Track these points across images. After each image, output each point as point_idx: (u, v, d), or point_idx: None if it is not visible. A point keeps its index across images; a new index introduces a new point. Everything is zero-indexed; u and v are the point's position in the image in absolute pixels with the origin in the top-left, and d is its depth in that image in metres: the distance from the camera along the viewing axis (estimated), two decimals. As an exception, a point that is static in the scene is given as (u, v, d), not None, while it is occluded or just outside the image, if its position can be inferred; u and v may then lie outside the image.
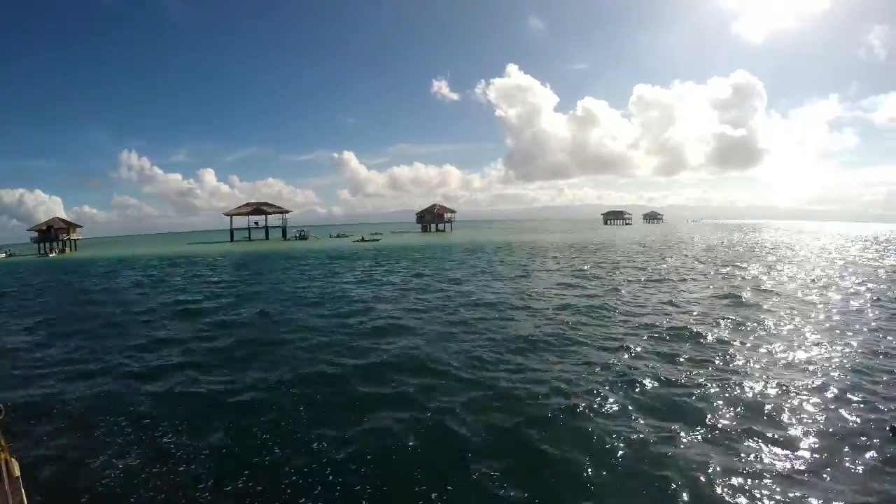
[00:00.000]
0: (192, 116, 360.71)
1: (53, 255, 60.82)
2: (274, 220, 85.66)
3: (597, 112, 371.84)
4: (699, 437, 6.37)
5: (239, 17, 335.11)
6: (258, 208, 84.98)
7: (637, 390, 7.94)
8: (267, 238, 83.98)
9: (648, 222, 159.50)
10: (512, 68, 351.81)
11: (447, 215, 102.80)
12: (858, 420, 6.55)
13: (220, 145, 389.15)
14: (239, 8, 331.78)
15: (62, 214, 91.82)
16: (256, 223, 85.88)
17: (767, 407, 7.12)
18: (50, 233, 65.72)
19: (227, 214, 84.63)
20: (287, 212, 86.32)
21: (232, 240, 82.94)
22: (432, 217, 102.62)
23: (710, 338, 10.95)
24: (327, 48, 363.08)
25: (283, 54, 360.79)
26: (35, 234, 65.36)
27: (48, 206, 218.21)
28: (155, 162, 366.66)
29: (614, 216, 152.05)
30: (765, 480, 5.30)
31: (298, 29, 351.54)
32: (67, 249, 66.55)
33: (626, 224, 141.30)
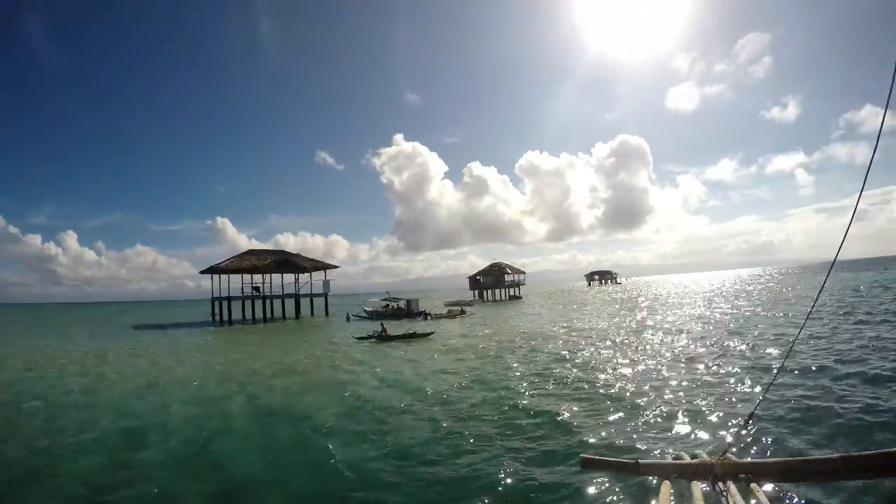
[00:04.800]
0: (52, 175, 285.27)
1: None
2: (288, 284, 46.85)
3: (486, 178, 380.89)
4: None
5: (111, 74, 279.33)
6: (285, 259, 45.54)
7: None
8: (298, 316, 44.76)
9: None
10: (398, 137, 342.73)
11: (514, 277, 73.67)
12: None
13: (83, 210, 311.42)
14: (113, 64, 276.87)
15: None
16: (256, 288, 45.99)
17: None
18: None
19: (212, 272, 43.57)
20: (332, 267, 48.17)
21: (220, 319, 42.09)
22: (493, 280, 72.30)
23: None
24: (199, 112, 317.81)
25: (150, 116, 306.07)
26: None
27: None
28: (11, 222, 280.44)
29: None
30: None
31: (166, 91, 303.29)
32: None
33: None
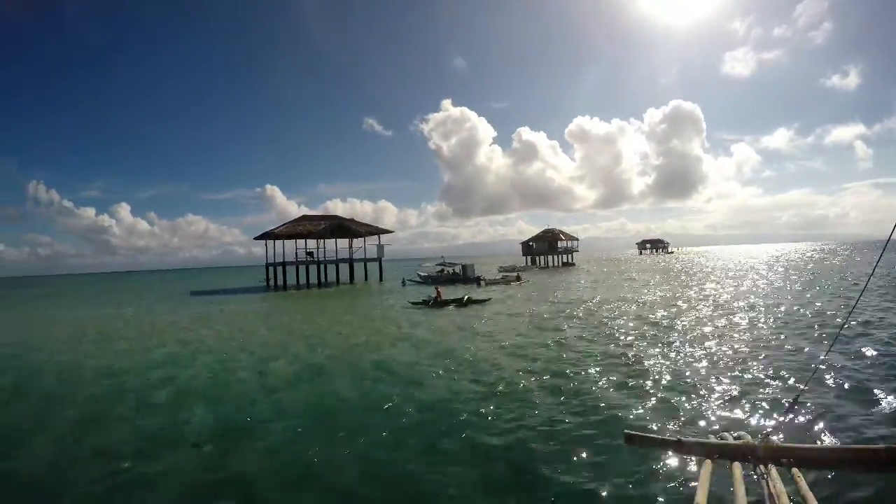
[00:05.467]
0: (103, 149, 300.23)
1: None
2: (341, 249, 45.79)
3: (536, 143, 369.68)
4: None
5: (156, 47, 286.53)
6: (339, 224, 44.73)
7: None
8: (352, 281, 44.15)
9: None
10: (446, 102, 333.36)
11: (567, 243, 70.68)
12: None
13: (134, 181, 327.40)
14: (157, 36, 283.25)
15: None
16: (310, 254, 45.37)
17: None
18: None
19: (267, 238, 43.34)
20: (387, 232, 47.11)
21: (275, 285, 42.00)
22: (546, 246, 69.62)
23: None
24: (246, 82, 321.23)
25: (198, 87, 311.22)
26: None
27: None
28: (66, 196, 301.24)
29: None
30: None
31: (213, 62, 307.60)
32: None
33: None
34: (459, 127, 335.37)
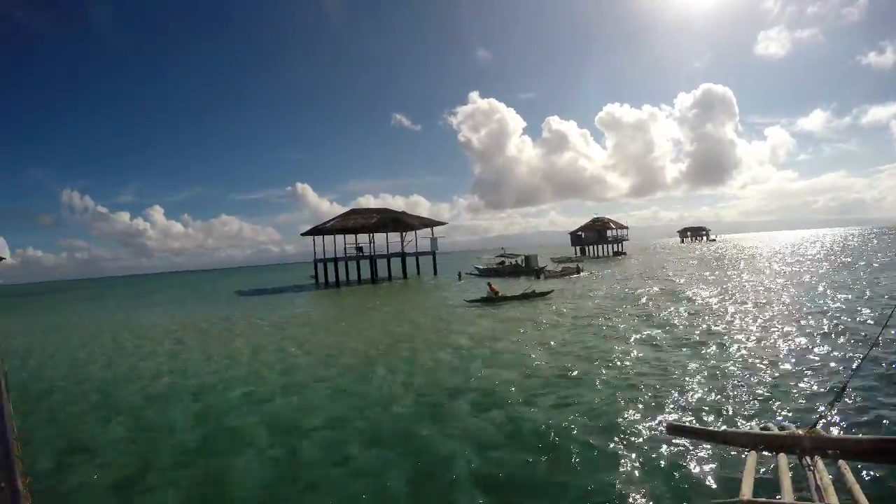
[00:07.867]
0: (135, 155, 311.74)
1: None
2: (391, 244, 44.20)
3: (566, 132, 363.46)
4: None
5: (184, 51, 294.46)
6: (393, 217, 43.29)
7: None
8: (405, 276, 42.66)
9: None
10: (474, 94, 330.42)
11: (617, 232, 67.72)
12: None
13: (166, 184, 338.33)
14: (185, 42, 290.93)
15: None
16: (360, 248, 44.03)
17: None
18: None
19: (316, 233, 42.26)
20: (440, 224, 45.43)
21: (325, 281, 40.91)
22: (595, 236, 66.87)
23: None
24: (273, 85, 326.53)
25: (226, 89, 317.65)
26: None
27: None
28: (100, 202, 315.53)
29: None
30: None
31: (240, 64, 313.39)
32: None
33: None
34: (488, 119, 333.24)
